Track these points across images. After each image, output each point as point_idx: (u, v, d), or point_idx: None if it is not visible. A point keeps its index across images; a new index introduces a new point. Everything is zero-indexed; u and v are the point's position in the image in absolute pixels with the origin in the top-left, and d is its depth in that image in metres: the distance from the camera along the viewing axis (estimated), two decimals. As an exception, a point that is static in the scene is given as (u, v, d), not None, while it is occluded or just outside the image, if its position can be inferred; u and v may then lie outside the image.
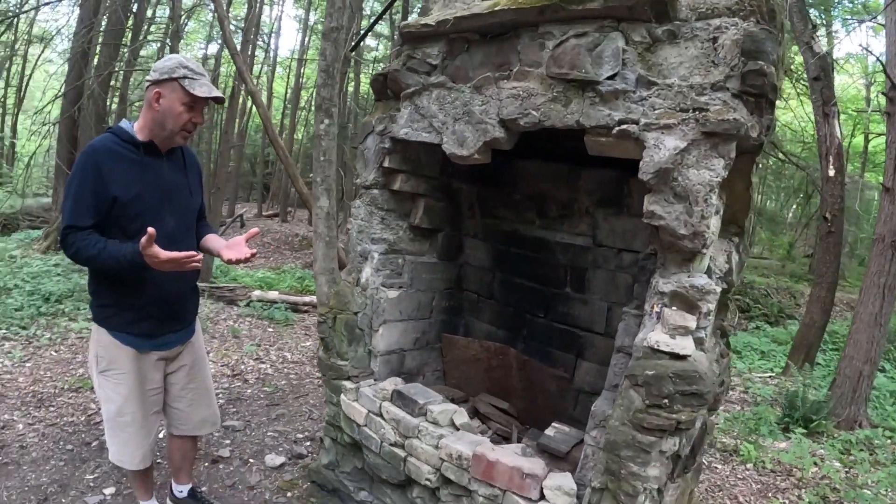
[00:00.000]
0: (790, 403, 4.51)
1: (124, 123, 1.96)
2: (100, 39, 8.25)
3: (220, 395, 3.82)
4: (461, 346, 2.69)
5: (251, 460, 3.03)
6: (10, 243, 7.86)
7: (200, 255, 1.84)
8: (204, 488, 2.68)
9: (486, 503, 1.90)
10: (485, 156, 2.04)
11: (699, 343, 1.62)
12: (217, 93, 1.92)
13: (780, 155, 10.85)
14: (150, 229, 1.70)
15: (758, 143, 1.58)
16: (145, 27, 10.40)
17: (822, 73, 6.31)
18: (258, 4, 12.21)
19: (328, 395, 2.57)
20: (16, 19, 11.05)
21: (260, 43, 16.17)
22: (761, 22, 1.52)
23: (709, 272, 1.68)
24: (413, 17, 2.64)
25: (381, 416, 2.29)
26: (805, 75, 7.29)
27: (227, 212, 14.92)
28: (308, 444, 3.30)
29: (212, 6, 8.39)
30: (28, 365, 3.97)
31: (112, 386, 2.02)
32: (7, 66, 14.60)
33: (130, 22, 8.90)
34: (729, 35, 1.53)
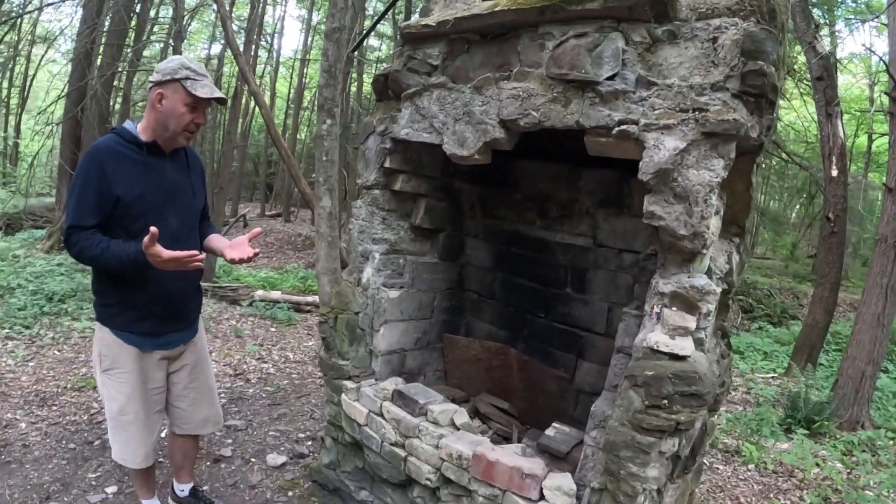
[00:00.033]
0: (792, 404, 4.50)
1: (128, 124, 1.98)
2: (103, 40, 8.28)
3: (223, 395, 3.83)
4: (462, 346, 2.69)
5: (253, 459, 3.04)
6: (14, 243, 7.90)
7: (203, 255, 1.86)
8: (205, 487, 2.69)
9: (486, 503, 1.91)
10: (485, 156, 2.05)
11: (699, 344, 1.62)
12: (219, 94, 1.94)
13: (784, 155, 10.82)
14: (153, 228, 1.71)
15: (758, 143, 1.57)
16: (148, 27, 10.44)
17: (825, 73, 6.29)
18: (261, 5, 12.23)
19: (329, 394, 2.58)
20: (19, 20, 11.10)
21: (263, 43, 16.21)
22: (761, 22, 1.52)
23: (709, 273, 1.68)
24: (414, 18, 2.65)
25: (381, 415, 2.29)
26: (808, 75, 7.27)
27: (231, 212, 14.97)
28: (310, 443, 3.31)
29: (215, 6, 8.41)
30: (31, 364, 3.99)
31: (115, 385, 2.03)
32: (11, 66, 14.66)
33: (133, 22, 8.95)
34: (729, 35, 1.53)
